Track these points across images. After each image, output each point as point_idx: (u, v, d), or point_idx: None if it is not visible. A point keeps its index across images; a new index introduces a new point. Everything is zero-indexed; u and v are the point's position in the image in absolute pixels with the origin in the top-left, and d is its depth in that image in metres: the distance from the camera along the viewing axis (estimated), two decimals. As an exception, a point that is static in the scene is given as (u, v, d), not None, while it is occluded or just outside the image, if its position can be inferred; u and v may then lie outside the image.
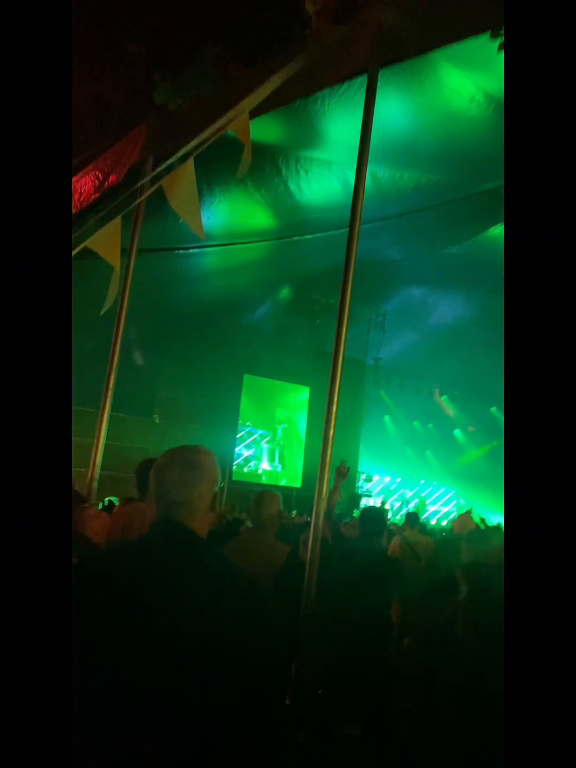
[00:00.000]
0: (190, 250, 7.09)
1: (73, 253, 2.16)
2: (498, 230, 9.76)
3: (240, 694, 1.31)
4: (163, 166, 2.59)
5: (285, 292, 14.55)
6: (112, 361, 3.68)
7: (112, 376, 3.66)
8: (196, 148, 2.42)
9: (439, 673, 2.14)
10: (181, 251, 6.99)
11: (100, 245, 2.37)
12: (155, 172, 2.62)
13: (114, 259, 2.62)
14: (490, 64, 3.47)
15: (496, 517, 15.77)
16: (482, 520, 8.98)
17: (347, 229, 2.81)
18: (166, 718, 1.28)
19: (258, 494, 3.39)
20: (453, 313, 15.01)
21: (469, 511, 6.67)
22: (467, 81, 3.84)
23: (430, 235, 10.05)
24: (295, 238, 7.72)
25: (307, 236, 7.72)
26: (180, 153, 2.46)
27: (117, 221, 2.54)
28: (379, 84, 3.02)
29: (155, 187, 2.31)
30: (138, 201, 2.99)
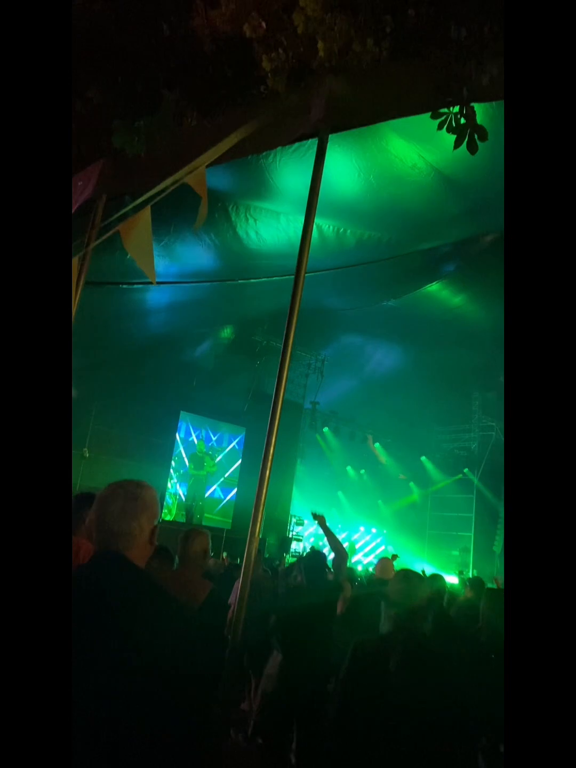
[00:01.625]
0: (134, 285, 7.12)
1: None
2: (433, 287, 10.28)
3: (174, 711, 1.34)
4: (120, 212, 2.66)
5: (227, 332, 14.66)
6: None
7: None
8: (153, 196, 2.52)
9: (375, 708, 2.21)
10: (125, 286, 7.01)
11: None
12: (112, 219, 2.69)
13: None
14: (431, 137, 3.73)
15: (421, 564, 16.06)
16: (394, 556, 9.17)
17: (291, 276, 2.92)
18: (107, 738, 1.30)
19: (186, 531, 3.41)
20: (389, 363, 15.49)
21: (391, 558, 6.79)
22: (410, 150, 4.13)
23: (369, 287, 10.44)
24: (240, 281, 7.88)
25: (252, 280, 7.90)
26: (137, 201, 2.55)
27: (75, 261, 2.58)
28: (328, 145, 3.23)
29: (112, 232, 2.38)
30: (91, 243, 3.04)
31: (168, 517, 14.80)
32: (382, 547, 19.16)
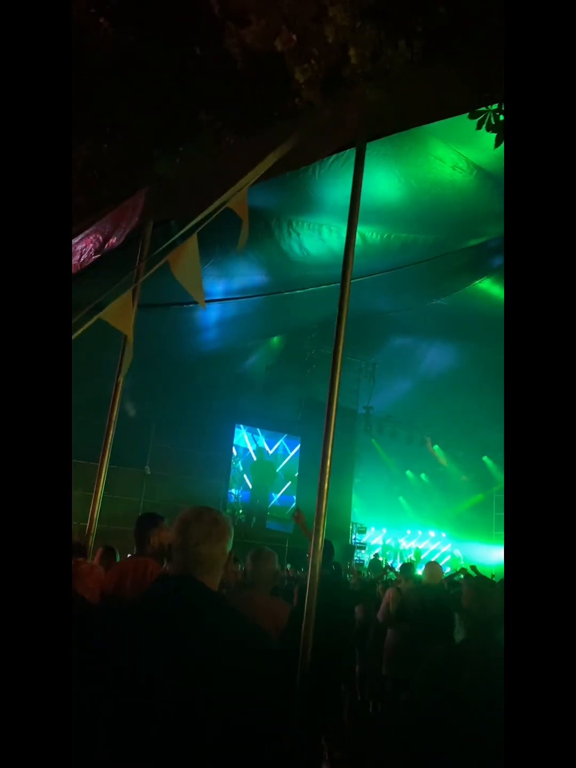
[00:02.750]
0: (185, 306, 7.27)
1: (77, 317, 2.28)
2: (483, 284, 10.07)
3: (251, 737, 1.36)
4: (168, 242, 2.74)
5: (276, 343, 14.76)
6: (111, 414, 3.74)
7: (112, 430, 3.72)
8: (199, 223, 2.58)
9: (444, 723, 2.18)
10: (176, 307, 7.17)
11: (113, 316, 2.49)
12: (160, 250, 2.76)
13: (127, 328, 2.74)
14: (471, 137, 3.68)
15: (490, 566, 15.66)
16: (473, 567, 8.96)
17: (335, 285, 2.92)
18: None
19: (256, 551, 3.40)
20: (444, 362, 15.22)
21: (435, 561, 6.67)
22: (450, 150, 4.08)
23: (417, 288, 10.32)
24: (287, 294, 7.93)
25: (298, 291, 7.93)
26: (184, 229, 2.62)
27: (129, 294, 2.67)
28: (366, 154, 3.23)
29: (162, 261, 2.45)
30: (141, 271, 3.13)
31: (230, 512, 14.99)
32: (449, 555, 18.79)
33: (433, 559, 8.89)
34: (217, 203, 2.55)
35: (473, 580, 2.79)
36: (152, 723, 1.33)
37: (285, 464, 16.98)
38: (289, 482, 16.78)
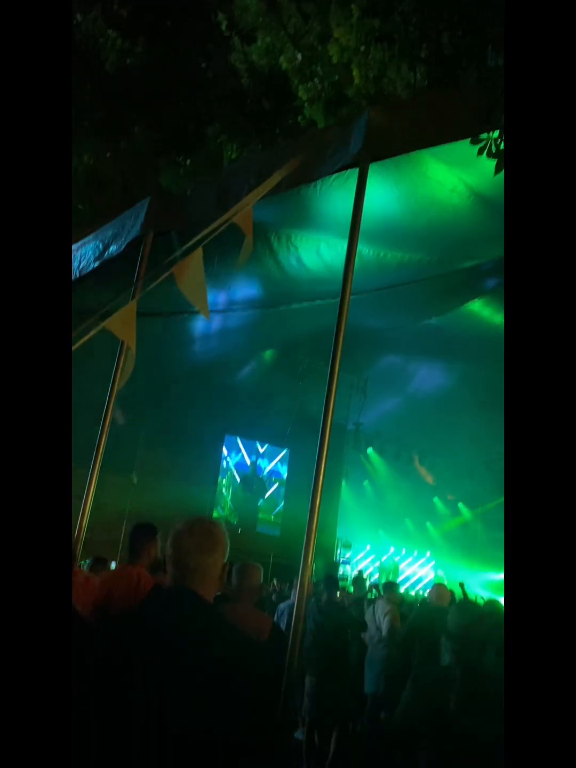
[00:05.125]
0: (181, 315, 7.28)
1: (81, 327, 2.30)
2: (475, 305, 10.16)
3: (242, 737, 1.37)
4: (174, 255, 2.77)
5: (269, 355, 14.78)
6: (104, 421, 3.74)
7: (104, 438, 3.72)
8: (204, 238, 2.61)
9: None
10: (171, 316, 7.18)
11: (117, 326, 2.51)
12: (165, 262, 2.79)
13: (130, 339, 2.76)
14: (471, 162, 3.74)
15: (474, 586, 15.65)
16: (461, 584, 8.96)
17: (330, 299, 2.97)
18: None
19: (241, 565, 3.43)
20: (433, 381, 15.29)
21: (442, 584, 6.67)
22: (449, 174, 4.14)
23: (411, 306, 10.38)
24: (282, 307, 7.97)
25: (294, 305, 7.97)
26: (189, 243, 2.65)
27: (133, 304, 2.69)
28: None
29: (167, 274, 2.48)
30: (140, 278, 3.15)
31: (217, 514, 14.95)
32: (432, 573, 18.77)
33: (441, 583, 8.87)
34: (223, 218, 2.59)
35: (460, 603, 2.80)
36: (148, 736, 1.33)
37: (274, 475, 16.98)
38: (276, 484, 16.81)
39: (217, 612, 1.60)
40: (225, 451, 16.35)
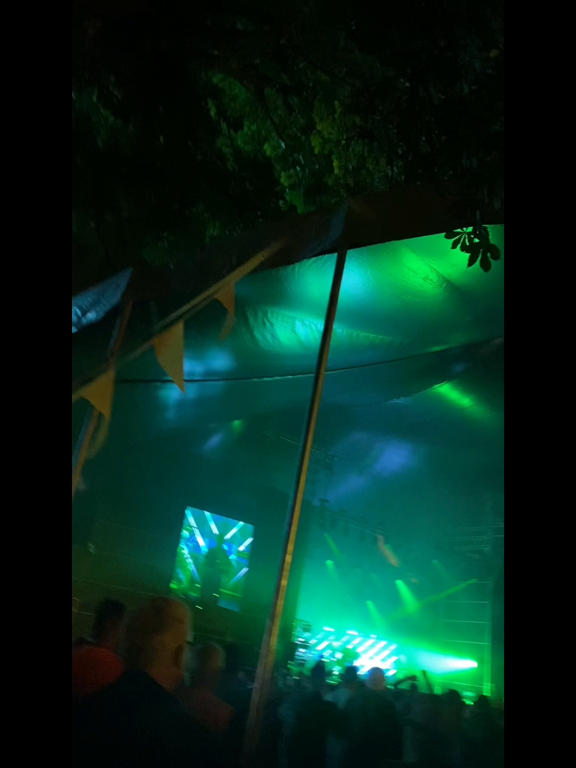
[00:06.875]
0: (150, 383, 7.26)
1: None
2: (443, 388, 10.40)
3: None
4: (156, 326, 2.80)
5: (236, 427, 14.70)
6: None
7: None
8: (185, 312, 2.66)
9: None
10: (140, 384, 7.15)
11: (93, 394, 2.50)
12: (147, 332, 2.83)
13: (105, 408, 2.75)
14: (444, 253, 3.93)
15: (438, 675, 15.17)
16: (424, 672, 8.68)
17: (302, 375, 3.01)
18: None
19: (202, 647, 3.30)
20: (399, 461, 15.33)
21: (380, 670, 6.48)
22: (422, 263, 4.33)
23: (380, 385, 10.56)
24: (254, 380, 8.02)
25: (265, 379, 8.03)
26: (170, 317, 2.69)
27: (111, 373, 2.69)
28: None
29: (147, 345, 2.50)
30: (117, 344, 3.16)
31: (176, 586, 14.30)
32: (393, 658, 18.20)
33: (377, 666, 8.60)
34: (206, 293, 2.65)
35: (426, 694, 2.71)
36: None
37: (240, 559, 16.56)
38: (244, 569, 16.34)
39: (170, 697, 1.51)
40: (192, 522, 15.95)
